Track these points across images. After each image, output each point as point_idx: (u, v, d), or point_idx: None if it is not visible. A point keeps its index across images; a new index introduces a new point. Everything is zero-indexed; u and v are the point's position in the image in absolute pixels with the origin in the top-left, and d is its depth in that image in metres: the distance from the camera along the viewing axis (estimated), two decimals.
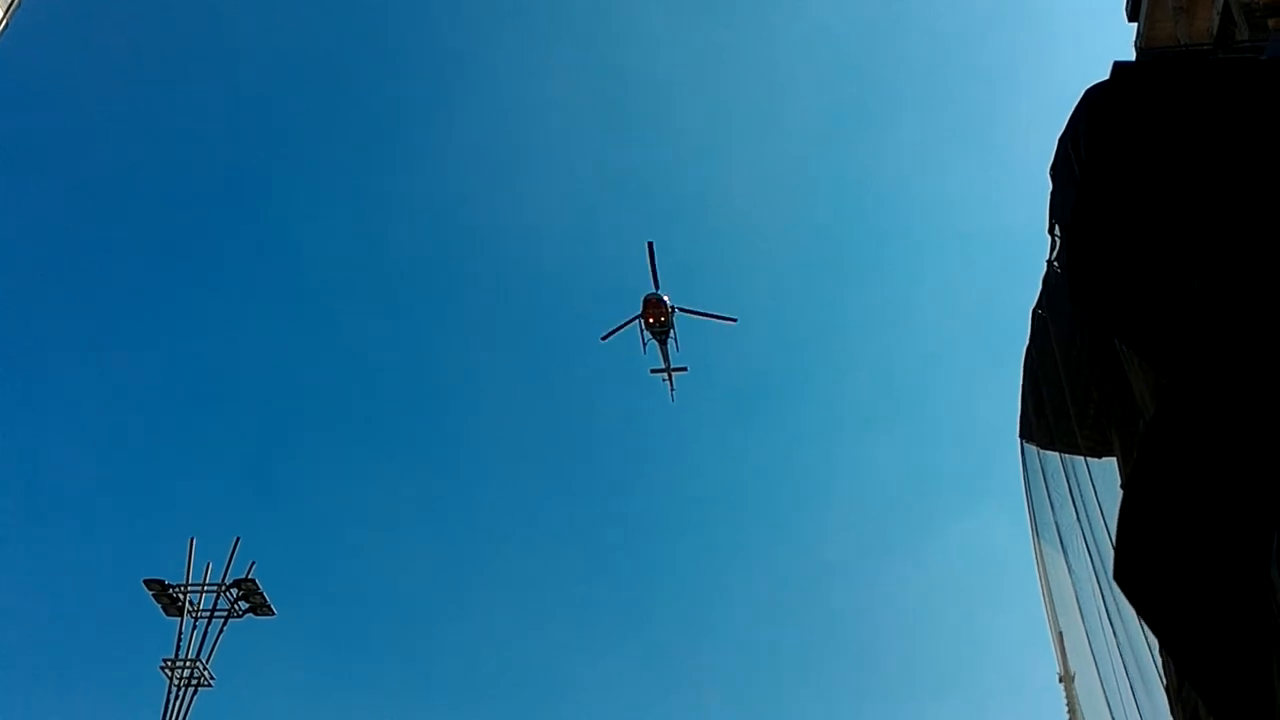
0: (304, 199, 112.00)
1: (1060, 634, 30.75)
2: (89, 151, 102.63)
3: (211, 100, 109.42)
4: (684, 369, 54.75)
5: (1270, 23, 25.15)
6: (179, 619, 39.20)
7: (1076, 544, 27.18)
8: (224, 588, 39.48)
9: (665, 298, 51.31)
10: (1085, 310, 22.05)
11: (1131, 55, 26.08)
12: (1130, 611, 25.90)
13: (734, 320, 52.71)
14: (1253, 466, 17.77)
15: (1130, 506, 18.87)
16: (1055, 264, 26.02)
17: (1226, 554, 17.70)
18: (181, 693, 37.96)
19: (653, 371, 55.13)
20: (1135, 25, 28.98)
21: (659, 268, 50.22)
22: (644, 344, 53.18)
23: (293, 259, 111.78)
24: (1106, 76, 24.35)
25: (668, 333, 52.75)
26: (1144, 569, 18.28)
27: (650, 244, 49.39)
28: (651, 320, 51.95)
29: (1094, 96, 24.70)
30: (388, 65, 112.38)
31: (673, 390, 55.40)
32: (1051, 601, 29.31)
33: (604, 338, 52.71)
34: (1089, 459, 28.07)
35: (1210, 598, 17.64)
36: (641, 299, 51.56)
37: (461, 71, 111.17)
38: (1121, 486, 27.97)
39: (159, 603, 39.66)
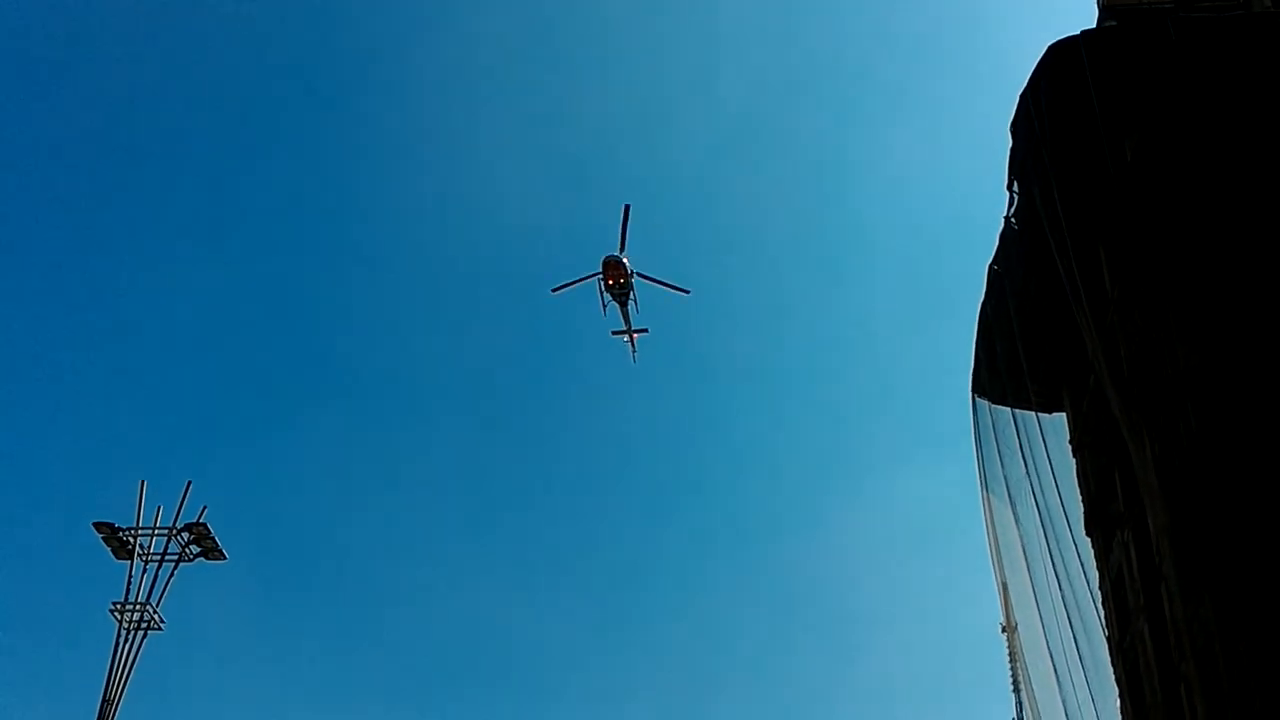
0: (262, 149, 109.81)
1: (1005, 584, 31.29)
2: None
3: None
4: (645, 330, 54.81)
5: None
6: (129, 562, 38.88)
7: (1025, 497, 27.64)
8: (175, 531, 39.13)
9: (625, 260, 51.12)
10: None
11: (1094, 12, 26.27)
12: (1076, 563, 26.48)
13: (687, 291, 52.91)
14: None
15: (1188, 492, 19.74)
16: (1012, 220, 26.22)
17: None
18: (131, 636, 37.51)
19: (614, 333, 55.21)
20: None
21: (629, 234, 50.29)
22: (604, 306, 53.12)
23: (244, 210, 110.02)
24: (1065, 35, 24.73)
25: (628, 295, 52.72)
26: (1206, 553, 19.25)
27: (627, 206, 49.43)
28: (611, 282, 51.85)
29: (1057, 53, 24.99)
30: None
31: (634, 351, 55.51)
32: (998, 553, 29.79)
33: (555, 290, 52.54)
34: (1040, 414, 28.54)
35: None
36: (601, 260, 51.45)
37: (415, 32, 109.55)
38: (1071, 442, 28.56)
39: (109, 546, 39.19)
